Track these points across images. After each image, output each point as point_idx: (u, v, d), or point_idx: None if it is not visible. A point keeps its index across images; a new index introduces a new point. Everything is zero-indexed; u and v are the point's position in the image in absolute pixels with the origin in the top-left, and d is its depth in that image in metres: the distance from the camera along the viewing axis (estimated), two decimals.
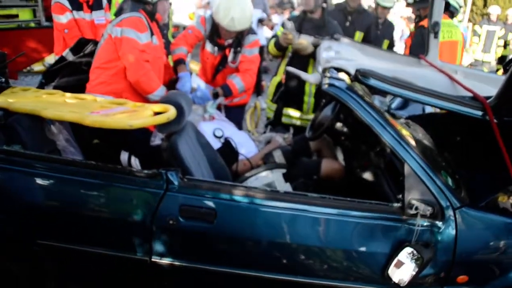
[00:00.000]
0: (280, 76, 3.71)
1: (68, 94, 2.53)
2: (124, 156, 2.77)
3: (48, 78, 3.10)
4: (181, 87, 3.13)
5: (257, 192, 1.95)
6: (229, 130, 3.11)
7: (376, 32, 4.63)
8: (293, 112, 3.73)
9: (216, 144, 2.90)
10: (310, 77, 2.28)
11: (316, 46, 3.32)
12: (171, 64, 3.45)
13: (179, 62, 3.26)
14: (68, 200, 1.97)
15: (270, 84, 3.80)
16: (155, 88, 2.71)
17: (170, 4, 4.45)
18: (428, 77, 2.58)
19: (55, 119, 1.93)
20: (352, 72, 2.14)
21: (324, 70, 2.21)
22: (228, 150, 2.94)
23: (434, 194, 1.91)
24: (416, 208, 1.90)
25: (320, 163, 2.91)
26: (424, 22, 3.67)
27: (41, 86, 3.03)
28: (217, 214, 1.91)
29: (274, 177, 2.55)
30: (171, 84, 3.16)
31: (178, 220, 1.91)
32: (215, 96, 3.20)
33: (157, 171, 1.93)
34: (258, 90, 6.99)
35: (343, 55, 2.61)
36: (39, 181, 1.96)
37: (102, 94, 2.67)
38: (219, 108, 3.40)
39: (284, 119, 3.77)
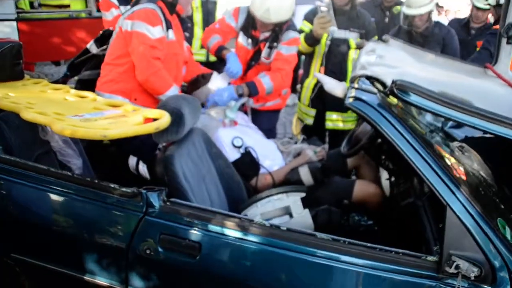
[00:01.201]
0: (315, 78, 3.30)
1: (72, 91, 2.31)
2: (132, 161, 2.52)
3: (73, 71, 2.95)
4: (229, 67, 2.83)
5: (253, 226, 1.59)
6: (253, 138, 2.74)
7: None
8: (337, 115, 3.37)
9: (234, 155, 2.56)
10: (337, 88, 1.87)
11: (360, 48, 2.89)
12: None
13: (221, 49, 2.96)
14: (39, 213, 1.74)
15: (304, 87, 3.40)
16: (167, 88, 2.41)
17: None
18: (493, 92, 2.08)
19: (30, 121, 1.71)
20: (389, 83, 1.71)
21: (353, 79, 1.78)
22: (248, 161, 2.59)
23: (484, 251, 1.45)
24: (457, 267, 1.45)
25: (353, 184, 2.48)
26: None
27: (65, 78, 2.89)
28: (202, 248, 1.58)
29: (290, 201, 2.15)
30: (193, 83, 2.85)
31: (157, 250, 1.60)
32: (239, 95, 2.83)
33: (136, 190, 1.64)
34: None
35: (386, 60, 2.15)
36: (11, 190, 1.75)
37: (109, 93, 2.43)
38: (245, 111, 3.04)
39: (328, 124, 3.42)
